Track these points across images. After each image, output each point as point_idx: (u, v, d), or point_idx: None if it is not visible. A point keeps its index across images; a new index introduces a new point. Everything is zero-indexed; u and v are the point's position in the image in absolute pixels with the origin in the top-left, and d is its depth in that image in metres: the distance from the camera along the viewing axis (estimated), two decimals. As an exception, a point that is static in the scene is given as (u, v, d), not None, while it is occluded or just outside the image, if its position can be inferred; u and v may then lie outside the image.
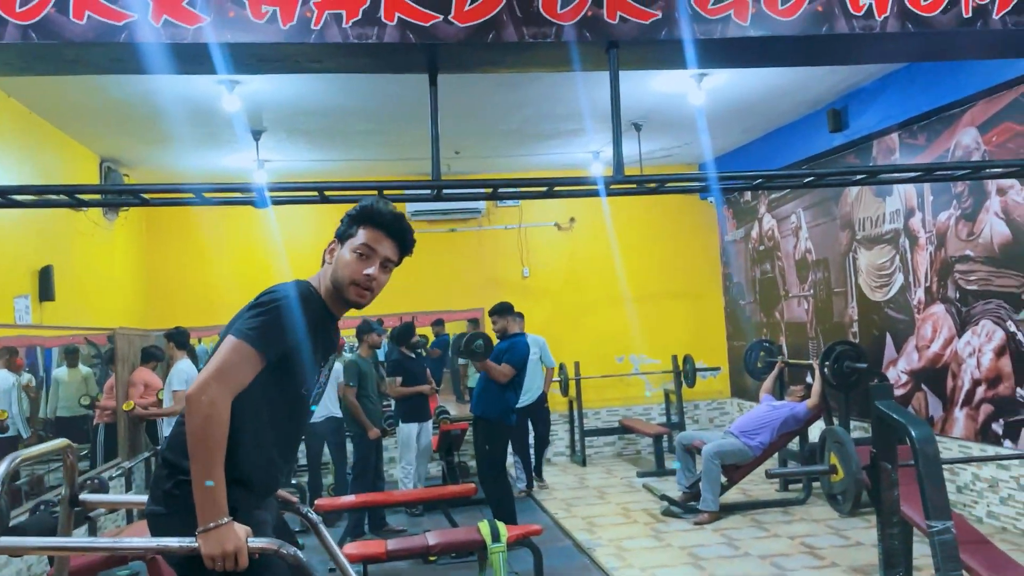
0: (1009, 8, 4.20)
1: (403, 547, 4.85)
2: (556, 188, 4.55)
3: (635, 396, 9.68)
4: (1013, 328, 5.47)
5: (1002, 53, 4.76)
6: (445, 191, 4.37)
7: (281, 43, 3.82)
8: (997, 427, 5.68)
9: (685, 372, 9.20)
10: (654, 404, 9.60)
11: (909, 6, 4.15)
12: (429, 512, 6.91)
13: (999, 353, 5.63)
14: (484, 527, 4.79)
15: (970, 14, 4.19)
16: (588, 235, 9.68)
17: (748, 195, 9.20)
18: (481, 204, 9.21)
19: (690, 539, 5.90)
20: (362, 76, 5.06)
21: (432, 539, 4.87)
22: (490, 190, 4.54)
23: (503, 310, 6.28)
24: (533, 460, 7.88)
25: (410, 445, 6.92)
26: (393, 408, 7.34)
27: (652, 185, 4.69)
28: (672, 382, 9.40)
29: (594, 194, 4.60)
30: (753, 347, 8.35)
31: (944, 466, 5.51)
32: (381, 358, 8.03)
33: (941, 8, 4.18)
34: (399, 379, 6.91)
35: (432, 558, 5.47)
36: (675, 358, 9.31)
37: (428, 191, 4.37)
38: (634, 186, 4.66)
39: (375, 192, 4.44)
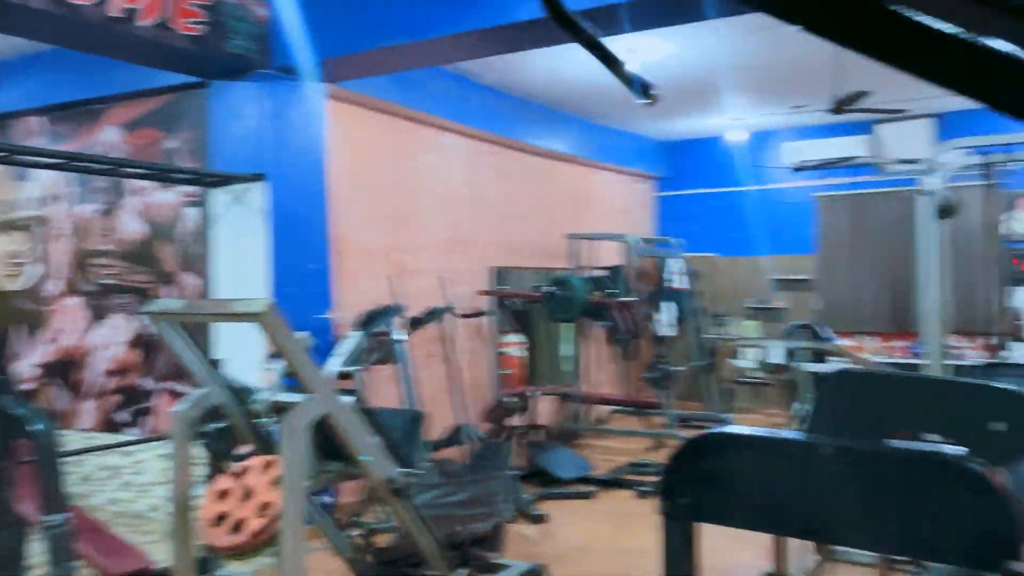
0: (155, 20, 4.48)
1: None
2: None
3: None
4: (143, 321, 5.81)
5: (147, 61, 5.04)
6: None
7: None
8: (124, 415, 5.93)
9: None
10: None
11: (60, -12, 4.04)
12: None
13: (131, 345, 5.91)
14: None
15: (119, 15, 4.31)
16: None
17: None
18: None
19: None
20: None
21: None
22: None
23: None
24: None
25: None
26: None
27: None
28: None
29: None
30: None
31: (70, 458, 5.45)
32: None
33: (93, 1, 4.18)
34: None
35: None
36: None
37: None
38: None
39: None
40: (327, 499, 5.00)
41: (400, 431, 3.83)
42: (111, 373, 6.01)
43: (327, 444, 3.18)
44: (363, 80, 5.68)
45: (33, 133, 6.36)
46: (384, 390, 5.88)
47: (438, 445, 5.89)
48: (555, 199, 8.71)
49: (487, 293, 7.46)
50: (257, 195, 5.20)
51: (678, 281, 9.08)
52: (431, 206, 6.95)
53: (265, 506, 3.13)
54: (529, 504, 5.54)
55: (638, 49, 6.10)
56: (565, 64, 6.54)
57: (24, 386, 6.23)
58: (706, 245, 10.00)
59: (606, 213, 9.58)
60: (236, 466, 3.38)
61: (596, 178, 9.50)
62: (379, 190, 6.37)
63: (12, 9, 3.94)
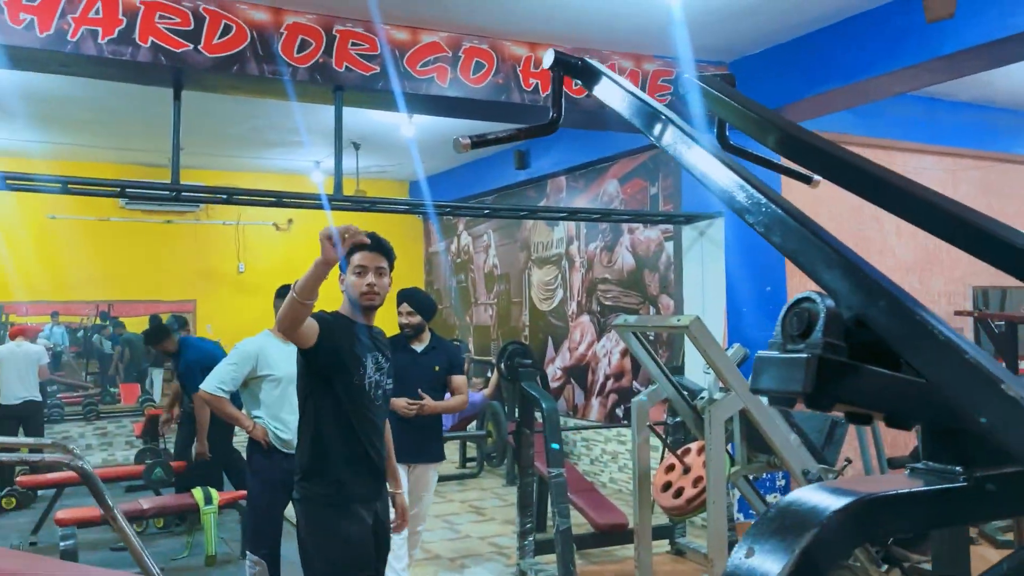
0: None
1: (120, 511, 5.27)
2: (285, 200, 5.33)
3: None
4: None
5: (628, 128, 6.31)
6: (184, 194, 4.96)
7: (36, 48, 4.23)
8: (619, 411, 7.36)
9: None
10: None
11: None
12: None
13: (623, 355, 7.33)
14: (197, 493, 5.39)
15: (605, 101, 5.64)
16: (305, 236, 10.35)
17: (450, 213, 10.49)
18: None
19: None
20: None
21: (146, 504, 5.37)
22: (226, 196, 5.20)
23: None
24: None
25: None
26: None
27: (366, 205, 5.64)
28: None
29: (316, 207, 5.44)
30: (445, 346, 9.60)
31: (580, 440, 6.99)
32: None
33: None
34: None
35: (140, 527, 5.90)
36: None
37: (168, 192, 4.92)
38: (350, 203, 5.57)
39: (117, 189, 4.90)
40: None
41: (818, 432, 4.37)
42: (609, 376, 7.50)
43: (757, 437, 3.88)
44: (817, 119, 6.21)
45: (561, 189, 8.25)
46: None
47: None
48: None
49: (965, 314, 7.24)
50: (718, 229, 6.13)
51: None
52: (899, 229, 7.08)
53: (698, 480, 4.02)
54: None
55: None
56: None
57: (553, 383, 8.08)
58: None
59: None
60: (681, 448, 4.33)
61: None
62: (839, 219, 6.78)
63: (535, 109, 5.51)
